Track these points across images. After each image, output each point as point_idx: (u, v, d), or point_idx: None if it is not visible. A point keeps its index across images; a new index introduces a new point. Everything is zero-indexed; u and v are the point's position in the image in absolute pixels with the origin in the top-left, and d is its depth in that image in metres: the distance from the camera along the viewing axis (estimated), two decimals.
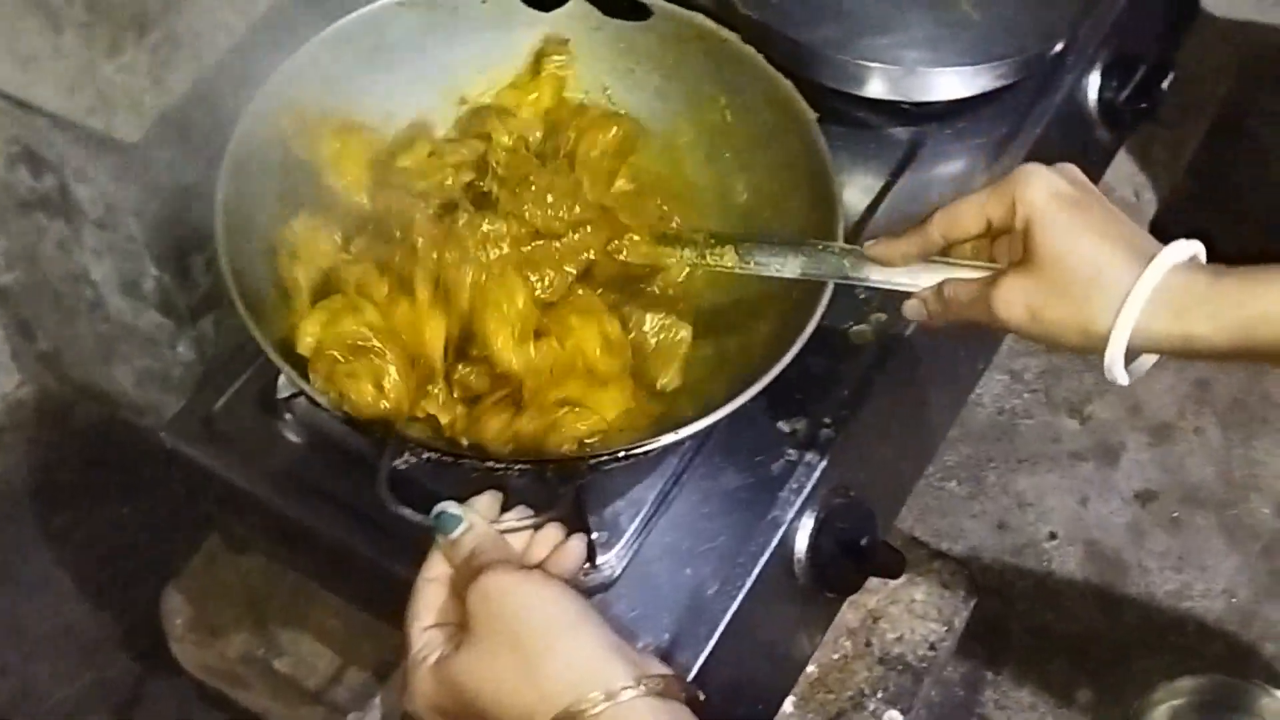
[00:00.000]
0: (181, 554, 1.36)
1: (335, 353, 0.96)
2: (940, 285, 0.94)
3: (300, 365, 0.97)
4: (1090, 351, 0.86)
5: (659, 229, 1.09)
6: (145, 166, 1.26)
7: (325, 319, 0.98)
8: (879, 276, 0.97)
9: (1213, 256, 0.88)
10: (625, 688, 0.77)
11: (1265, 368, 1.71)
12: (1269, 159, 1.87)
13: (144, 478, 1.55)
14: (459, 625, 0.84)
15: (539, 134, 1.15)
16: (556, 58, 1.16)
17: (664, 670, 0.82)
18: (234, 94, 1.19)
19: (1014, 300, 0.87)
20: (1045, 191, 0.87)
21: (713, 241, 1.03)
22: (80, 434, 1.60)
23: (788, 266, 1.00)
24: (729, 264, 1.02)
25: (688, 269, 1.08)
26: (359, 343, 0.96)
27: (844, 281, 0.99)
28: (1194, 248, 0.86)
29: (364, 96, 1.14)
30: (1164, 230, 0.97)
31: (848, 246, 1.00)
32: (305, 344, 0.97)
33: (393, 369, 0.96)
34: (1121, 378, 0.85)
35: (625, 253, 1.06)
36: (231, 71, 1.25)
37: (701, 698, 0.85)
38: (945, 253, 0.96)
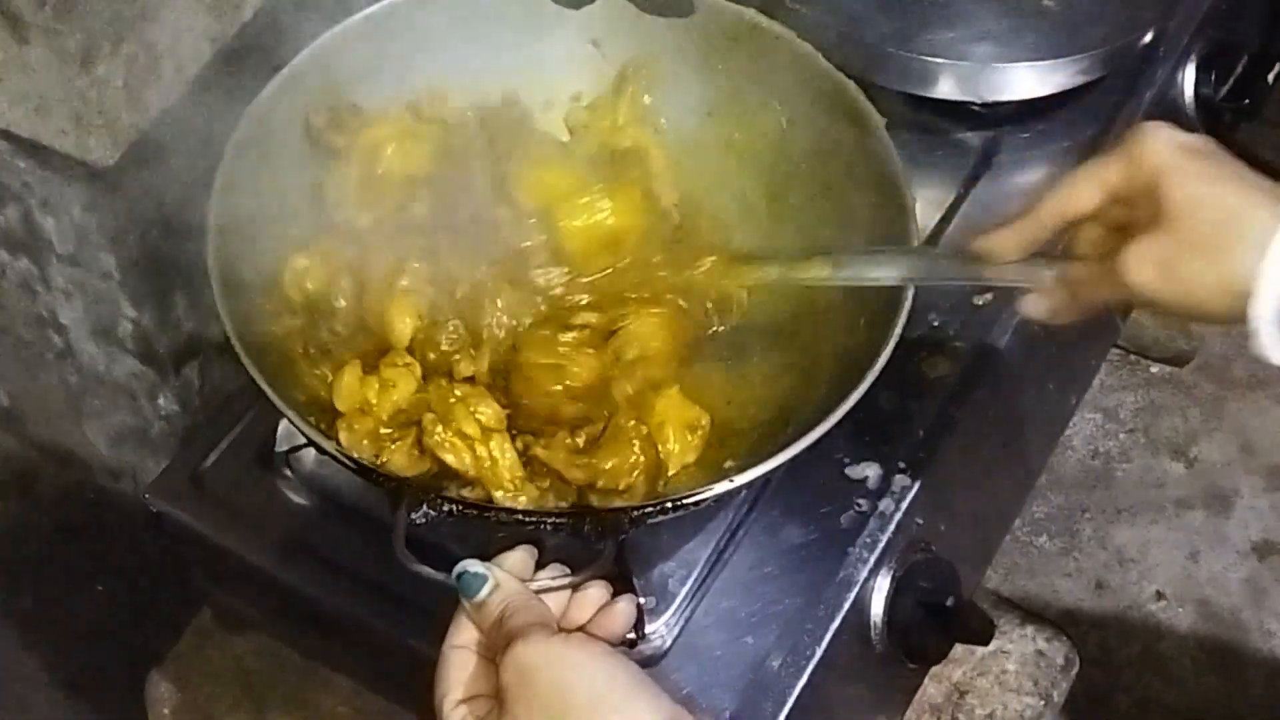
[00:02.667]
0: (167, 635, 1.36)
1: (431, 416, 1.02)
2: (1061, 271, 0.96)
3: (301, 412, 0.99)
4: (1233, 317, 0.85)
5: (731, 252, 1.14)
6: (121, 193, 1.27)
7: (412, 385, 1.05)
8: (993, 274, 1.00)
9: None
10: None
11: None
12: None
13: (121, 550, 1.56)
14: (494, 697, 0.85)
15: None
16: (640, 81, 1.20)
17: None
18: (222, 109, 1.21)
19: (1145, 260, 0.89)
20: (1171, 143, 0.89)
21: (798, 257, 1.08)
22: (47, 502, 1.62)
23: (888, 272, 1.03)
24: (822, 275, 1.06)
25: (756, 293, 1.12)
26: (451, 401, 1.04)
27: (955, 283, 1.04)
28: None
29: (373, 101, 1.17)
30: None
31: (948, 250, 1.05)
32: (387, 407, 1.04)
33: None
34: (1273, 349, 0.85)
35: (705, 277, 1.11)
36: (218, 84, 1.26)
37: None
38: (1061, 240, 0.98)
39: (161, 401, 1.43)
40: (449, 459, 1.01)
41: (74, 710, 1.51)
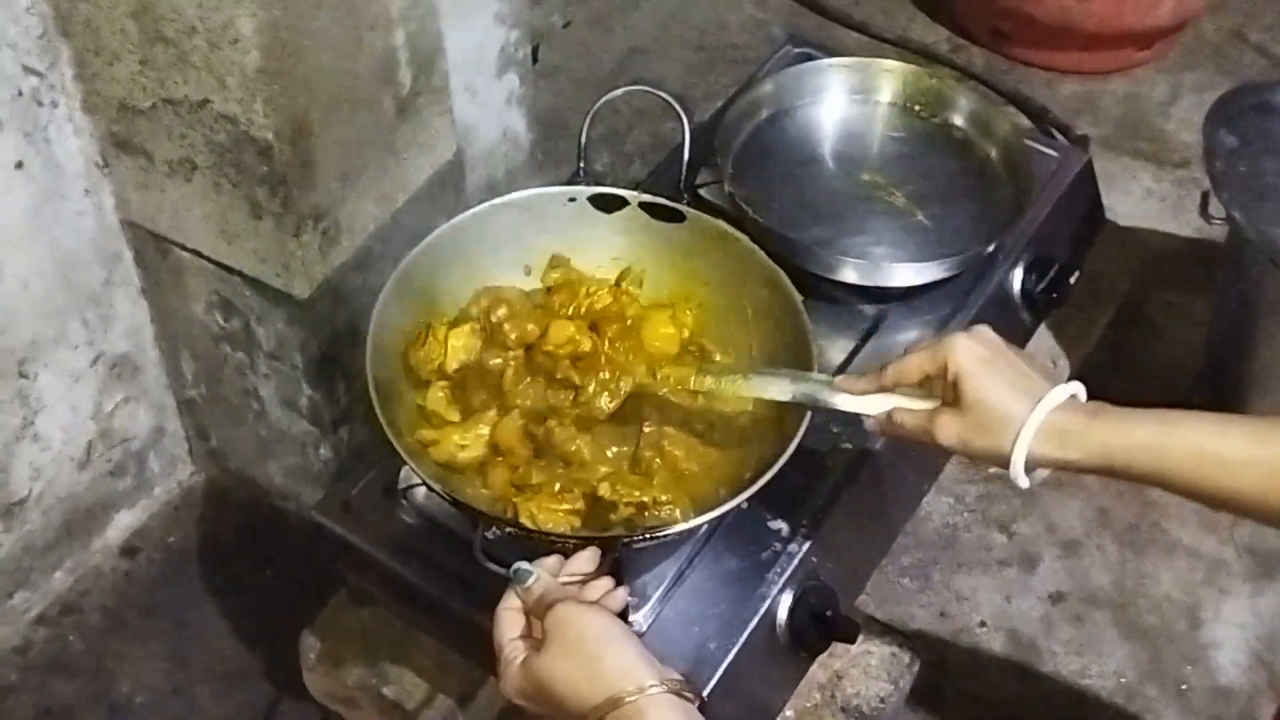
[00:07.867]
0: (314, 606, 1.38)
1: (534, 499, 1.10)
2: (890, 413, 1.04)
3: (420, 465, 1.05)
4: (1003, 466, 0.97)
5: (693, 364, 1.20)
6: (310, 316, 1.33)
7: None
8: (844, 403, 1.06)
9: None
10: (652, 685, 0.86)
11: (1153, 498, 1.70)
12: (1163, 338, 1.91)
13: (285, 548, 1.58)
14: (535, 638, 0.92)
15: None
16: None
17: (680, 677, 0.90)
18: (378, 267, 1.27)
19: (949, 431, 0.98)
20: (967, 356, 0.98)
21: (728, 372, 1.14)
22: (237, 513, 1.63)
23: (780, 390, 1.09)
24: (737, 387, 1.12)
25: (706, 390, 1.16)
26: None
27: (817, 406, 1.07)
28: (1073, 388, 0.96)
29: (473, 272, 1.22)
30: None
31: (824, 377, 1.08)
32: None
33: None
34: (1023, 482, 0.97)
35: (663, 379, 1.17)
36: (376, 251, 1.32)
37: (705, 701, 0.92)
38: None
39: (321, 451, 1.47)
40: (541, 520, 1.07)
41: (250, 653, 1.51)
